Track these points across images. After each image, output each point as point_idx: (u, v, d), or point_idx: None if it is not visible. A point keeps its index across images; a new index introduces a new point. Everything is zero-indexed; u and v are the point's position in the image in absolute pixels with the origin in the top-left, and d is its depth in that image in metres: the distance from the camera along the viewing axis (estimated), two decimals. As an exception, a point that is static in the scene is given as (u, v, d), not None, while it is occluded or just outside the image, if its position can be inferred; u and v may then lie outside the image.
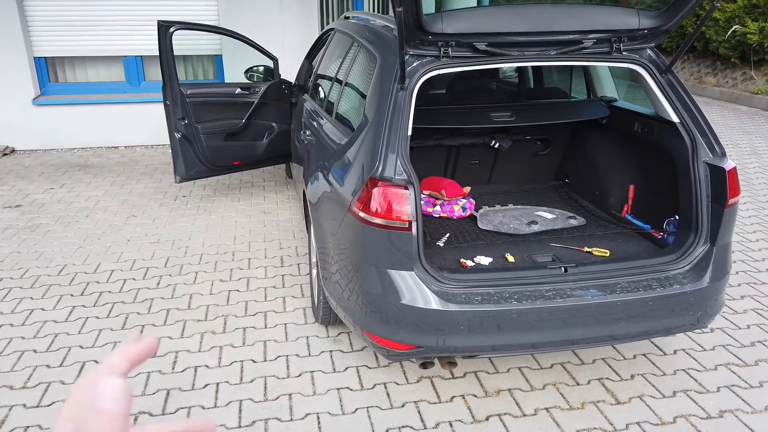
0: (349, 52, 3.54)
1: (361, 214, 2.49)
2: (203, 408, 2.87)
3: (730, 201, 2.65)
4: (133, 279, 4.13)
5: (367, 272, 2.54)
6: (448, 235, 3.21)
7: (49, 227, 5.02)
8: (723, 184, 2.64)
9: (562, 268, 2.62)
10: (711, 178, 2.69)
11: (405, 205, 2.41)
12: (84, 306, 3.78)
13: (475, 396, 2.97)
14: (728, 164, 2.68)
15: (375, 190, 2.45)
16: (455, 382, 3.07)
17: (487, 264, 2.84)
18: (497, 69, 4.28)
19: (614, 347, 3.35)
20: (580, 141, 3.83)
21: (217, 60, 7.56)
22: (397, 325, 2.49)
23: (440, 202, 3.45)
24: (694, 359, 3.26)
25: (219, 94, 4.97)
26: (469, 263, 2.84)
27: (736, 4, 10.61)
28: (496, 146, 3.72)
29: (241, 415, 2.83)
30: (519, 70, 4.60)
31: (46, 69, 7.29)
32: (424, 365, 2.68)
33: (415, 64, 2.68)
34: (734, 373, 3.15)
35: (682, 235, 2.79)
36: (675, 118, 2.81)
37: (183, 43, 7.19)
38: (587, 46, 2.76)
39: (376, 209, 2.44)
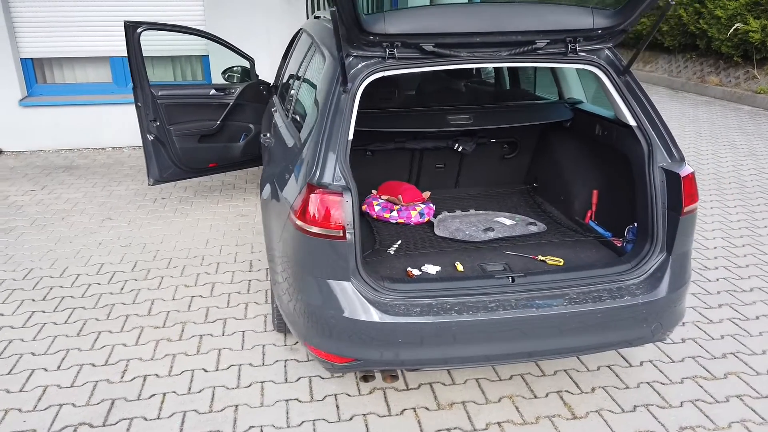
0: (308, 53, 3.46)
1: (298, 222, 2.40)
2: (145, 419, 2.80)
3: (686, 208, 2.53)
4: (98, 284, 4.08)
5: (306, 282, 2.45)
6: (399, 242, 3.11)
7: (24, 230, 4.99)
8: (678, 190, 2.51)
9: (510, 278, 2.51)
10: (667, 184, 2.57)
11: (339, 212, 2.32)
12: (44, 311, 3.73)
13: (427, 409, 2.87)
14: (685, 170, 2.56)
15: (311, 197, 2.36)
16: (409, 393, 2.98)
17: (434, 273, 2.74)
18: (468, 70, 4.17)
19: (578, 358, 3.24)
20: (547, 144, 3.71)
21: (204, 60, 7.51)
22: (335, 337, 2.40)
23: (397, 207, 3.35)
24: (661, 371, 3.14)
25: (192, 95, 4.90)
26: (416, 272, 2.74)
27: (738, 2, 10.38)
28: (460, 149, 3.61)
29: (183, 427, 2.75)
30: (495, 71, 4.48)
31: (33, 70, 7.28)
32: (366, 378, 2.59)
33: (359, 66, 2.59)
34: (701, 386, 3.02)
35: (639, 244, 2.67)
36: (632, 121, 2.70)
37: (170, 43, 7.17)
38: (540, 47, 2.65)
39: (311, 216, 2.35)
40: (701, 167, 6.69)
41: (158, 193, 5.85)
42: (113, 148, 7.50)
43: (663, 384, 3.05)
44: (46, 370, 3.16)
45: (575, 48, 2.69)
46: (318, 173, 2.41)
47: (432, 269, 2.76)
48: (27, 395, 2.96)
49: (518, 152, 3.84)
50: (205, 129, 4.98)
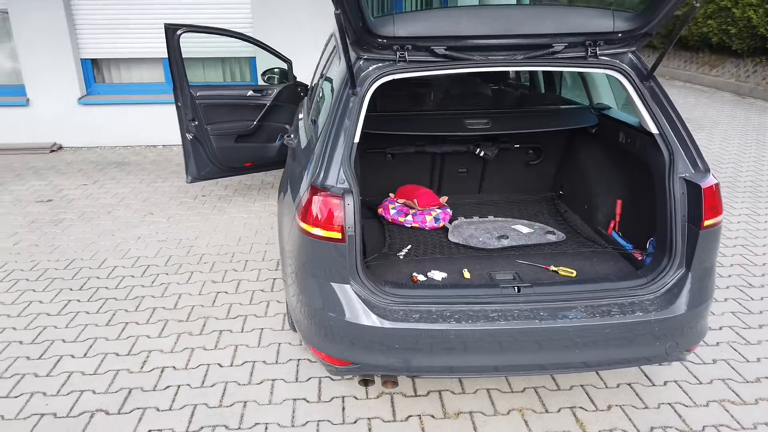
0: (332, 55, 3.48)
1: (301, 224, 2.42)
2: (158, 410, 2.88)
3: (707, 222, 2.39)
4: (132, 276, 4.24)
5: (307, 283, 2.46)
6: (409, 246, 3.08)
7: (71, 222, 5.24)
8: (699, 202, 2.38)
9: (515, 288, 2.44)
10: (688, 195, 2.43)
11: (338, 214, 2.32)
12: (79, 300, 3.90)
13: (433, 417, 2.83)
14: (707, 181, 2.42)
15: (313, 199, 2.37)
16: (417, 400, 2.94)
17: (439, 280, 2.69)
18: (496, 73, 4.08)
19: (598, 374, 3.12)
20: (573, 151, 3.59)
21: (252, 62, 7.68)
22: (333, 339, 2.40)
23: (413, 211, 3.32)
24: (685, 392, 2.98)
25: (230, 96, 5.02)
26: (421, 278, 2.71)
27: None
28: (481, 154, 3.54)
29: (192, 420, 2.82)
30: (530, 75, 4.38)
31: (92, 70, 7.63)
32: (366, 382, 2.58)
33: (370, 69, 2.58)
34: (727, 411, 2.85)
35: (657, 258, 2.54)
36: (654, 129, 2.57)
37: (219, 46, 7.38)
38: (558, 50, 2.57)
39: (312, 218, 2.36)
40: (761, 179, 6.32)
41: (200, 191, 6.02)
42: (163, 146, 7.78)
43: (686, 406, 2.89)
44: (73, 356, 3.30)
45: (596, 52, 2.60)
46: (322, 175, 2.41)
47: (438, 275, 2.72)
48: (53, 380, 3.10)
49: (543, 158, 3.73)
50: (241, 129, 5.09)
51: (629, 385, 3.05)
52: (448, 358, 2.34)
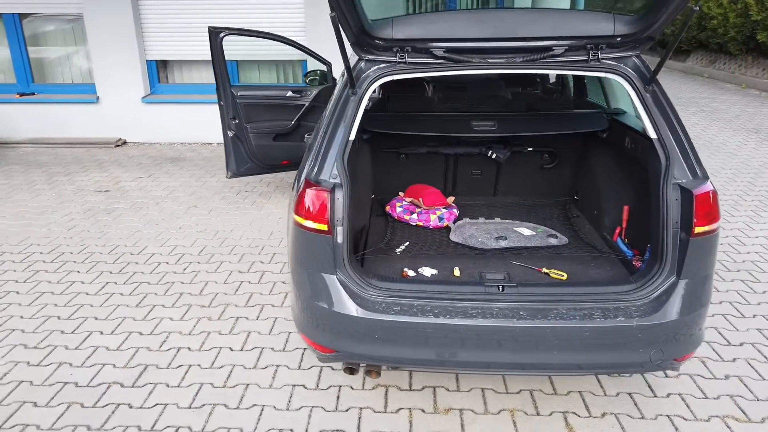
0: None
1: (294, 216, 2.55)
2: (167, 386, 3.08)
3: (698, 229, 2.33)
4: (167, 263, 4.51)
5: (298, 273, 2.59)
6: (407, 243, 3.15)
7: (123, 212, 5.61)
8: (691, 209, 2.33)
9: (499, 287, 2.47)
10: (682, 202, 2.39)
11: (326, 207, 2.43)
12: (116, 283, 4.20)
13: (423, 411, 2.89)
14: (701, 188, 2.36)
15: (306, 192, 2.50)
16: (410, 394, 3.01)
17: (428, 276, 2.75)
18: (518, 75, 4.05)
19: (598, 380, 3.08)
20: (586, 156, 3.54)
21: (303, 65, 7.94)
22: (319, 327, 2.51)
23: (418, 210, 3.38)
24: (687, 406, 2.90)
25: (269, 96, 5.24)
26: (411, 273, 2.77)
27: None
28: (493, 157, 3.55)
29: (196, 397, 3.00)
30: (560, 78, 4.33)
31: (156, 70, 8.11)
32: (351, 371, 2.67)
33: (371, 70, 2.68)
34: (728, 427, 2.76)
35: (649, 265, 2.50)
36: (653, 134, 2.54)
37: (273, 49, 7.64)
38: (558, 54, 2.58)
39: (303, 211, 2.48)
40: (819, 193, 5.96)
41: (243, 186, 6.30)
42: (218, 143, 8.16)
43: (685, 420, 2.81)
44: (102, 333, 3.57)
45: (597, 55, 2.59)
46: (316, 170, 2.53)
47: (428, 272, 2.78)
48: (81, 353, 3.37)
49: (558, 163, 3.70)
50: (279, 128, 5.30)
51: (629, 394, 2.99)
52: (425, 352, 2.40)
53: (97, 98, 8.03)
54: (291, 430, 2.78)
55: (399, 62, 2.65)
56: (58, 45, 8.16)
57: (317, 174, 2.53)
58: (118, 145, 8.11)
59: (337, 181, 2.50)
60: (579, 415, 2.85)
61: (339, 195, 2.46)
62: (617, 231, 3.05)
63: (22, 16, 7.93)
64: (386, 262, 2.90)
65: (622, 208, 3.05)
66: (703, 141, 8.10)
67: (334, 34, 2.35)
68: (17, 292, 4.06)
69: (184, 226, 5.23)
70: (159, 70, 8.17)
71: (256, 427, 2.79)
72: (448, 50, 2.60)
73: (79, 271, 4.37)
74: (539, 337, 2.33)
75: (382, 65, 2.68)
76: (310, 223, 2.48)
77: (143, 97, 7.98)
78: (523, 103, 3.66)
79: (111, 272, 4.36)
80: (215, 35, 4.82)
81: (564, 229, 3.32)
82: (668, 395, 2.98)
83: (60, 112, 8.11)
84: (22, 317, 3.74)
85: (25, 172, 6.89)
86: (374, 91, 3.95)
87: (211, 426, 2.80)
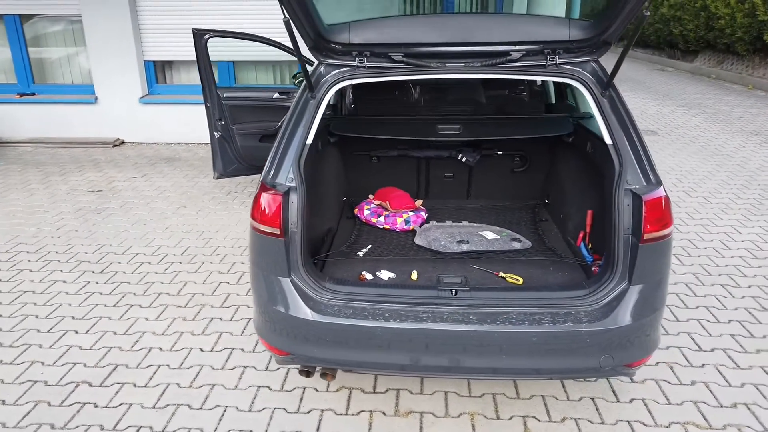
0: None
1: (250, 219, 2.57)
2: (134, 386, 3.12)
3: (647, 235, 2.32)
4: (149, 263, 4.56)
5: (255, 275, 2.61)
6: (369, 246, 3.16)
7: (113, 212, 5.67)
8: (641, 214, 2.32)
9: (452, 291, 2.48)
10: (633, 207, 2.38)
11: (278, 211, 2.45)
12: (97, 282, 4.25)
13: (384, 414, 2.90)
14: (652, 194, 2.35)
15: (261, 195, 2.52)
16: (373, 396, 3.02)
17: (386, 279, 2.76)
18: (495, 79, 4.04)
19: (563, 385, 3.07)
20: (556, 160, 3.53)
21: (299, 66, 7.95)
22: (273, 329, 2.53)
23: (386, 213, 3.39)
24: (649, 412, 2.89)
25: (255, 98, 5.27)
26: (369, 276, 2.78)
27: None
28: (463, 160, 3.55)
29: (161, 397, 3.03)
30: (544, 84, 4.31)
31: (154, 71, 8.19)
32: (307, 374, 2.68)
33: (331, 74, 2.70)
34: (688, 434, 2.75)
35: (602, 270, 2.50)
36: (608, 139, 2.53)
37: (269, 50, 7.67)
38: (515, 58, 2.58)
39: (258, 214, 2.51)
40: (812, 196, 5.89)
41: (234, 187, 6.34)
42: (214, 143, 8.20)
43: (645, 425, 2.80)
44: (77, 332, 3.62)
45: (555, 60, 2.59)
46: (272, 173, 2.56)
47: (386, 275, 2.79)
48: (54, 351, 3.42)
49: (530, 166, 3.69)
50: (265, 129, 5.33)
51: (592, 399, 2.98)
52: (375, 355, 2.41)
53: (96, 99, 8.12)
54: (251, 431, 2.80)
55: (358, 66, 2.66)
56: (58, 46, 8.26)
57: (273, 177, 2.55)
58: (116, 145, 8.19)
59: (293, 184, 2.52)
60: (539, 420, 2.85)
61: (294, 198, 2.48)
62: (581, 235, 3.04)
63: (23, 17, 8.04)
64: (347, 265, 2.92)
65: (586, 213, 3.04)
66: (702, 143, 8.03)
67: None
68: (0, 291, 4.12)
69: (171, 226, 5.28)
70: (157, 70, 8.24)
71: (216, 428, 2.82)
72: (406, 54, 2.61)
73: (62, 270, 4.43)
74: (488, 342, 2.33)
75: (342, 69, 2.69)
76: (264, 227, 2.50)
77: (141, 98, 8.05)
78: (493, 107, 3.66)
79: (93, 272, 4.42)
80: (200, 37, 4.86)
81: (530, 233, 3.31)
82: (631, 400, 2.97)
83: (59, 112, 8.21)
84: (1, 316, 3.80)
85: (21, 172, 6.99)
86: (342, 95, 3.98)
87: (172, 426, 2.83)
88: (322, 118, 3.45)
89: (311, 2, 2.42)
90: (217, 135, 5.28)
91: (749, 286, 4.10)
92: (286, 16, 2.38)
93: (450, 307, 2.41)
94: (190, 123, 8.12)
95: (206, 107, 5.21)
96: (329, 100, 2.73)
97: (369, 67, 2.66)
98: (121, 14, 7.69)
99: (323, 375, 2.68)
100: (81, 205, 5.83)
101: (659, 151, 7.66)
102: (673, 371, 3.20)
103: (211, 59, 7.91)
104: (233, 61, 8.03)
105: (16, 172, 7.00)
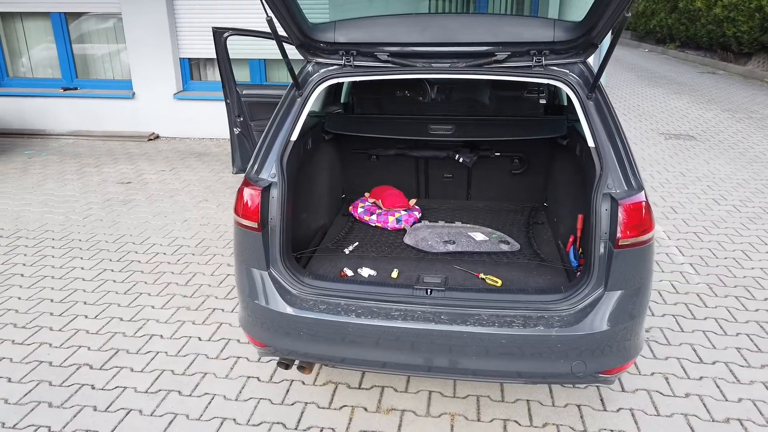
0: None
1: (233, 213, 2.64)
2: (132, 371, 3.24)
3: (622, 241, 2.27)
4: (164, 253, 4.71)
5: (237, 268, 2.68)
6: (357, 243, 3.18)
7: (138, 203, 5.88)
8: (617, 219, 2.28)
9: (427, 291, 2.48)
10: (611, 212, 2.33)
11: (257, 205, 2.51)
12: (112, 270, 4.42)
13: (365, 410, 2.93)
14: (630, 199, 2.30)
15: (243, 190, 2.58)
16: (358, 392, 3.05)
17: (366, 276, 2.78)
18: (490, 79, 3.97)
19: (550, 390, 3.03)
20: (552, 162, 3.47)
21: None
22: (253, 320, 2.59)
23: (379, 211, 3.41)
24: (635, 422, 2.82)
25: (274, 95, 5.36)
26: (349, 273, 2.81)
27: None
28: (460, 161, 3.54)
29: (155, 382, 3.14)
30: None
31: (189, 68, 8.42)
32: (286, 366, 2.73)
33: (319, 72, 2.74)
34: (673, 447, 2.67)
35: (581, 275, 2.46)
36: (591, 142, 2.48)
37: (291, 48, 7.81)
38: (501, 59, 2.57)
39: (240, 209, 2.57)
40: None
41: (256, 182, 6.46)
42: (244, 139, 8.38)
43: (629, 436, 2.74)
44: (86, 317, 3.78)
45: (541, 61, 2.56)
46: (255, 168, 2.62)
47: (367, 272, 2.81)
48: (62, 334, 3.59)
49: (528, 169, 3.64)
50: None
51: (578, 406, 2.94)
52: (348, 350, 2.44)
53: (133, 94, 8.41)
54: (234, 419, 2.88)
55: (345, 65, 2.70)
56: (100, 43, 8.59)
57: (257, 173, 2.61)
58: (151, 139, 8.47)
59: (275, 180, 2.57)
60: (520, 424, 2.82)
61: (275, 194, 2.53)
62: (571, 240, 2.99)
63: (69, 16, 8.40)
64: (331, 261, 2.96)
65: (576, 217, 2.99)
66: (741, 149, 7.73)
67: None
68: (22, 275, 4.34)
69: (190, 219, 5.44)
70: (192, 67, 8.47)
71: (201, 414, 2.91)
72: (392, 54, 2.63)
73: (81, 258, 4.63)
74: (457, 342, 2.32)
75: (329, 68, 2.73)
76: (244, 221, 2.56)
77: (175, 94, 8.30)
78: (489, 107, 3.62)
79: (110, 260, 4.60)
80: (219, 35, 4.98)
81: (521, 236, 3.27)
82: (618, 410, 2.91)
83: (99, 107, 8.55)
84: (19, 298, 4.01)
85: (60, 162, 7.31)
86: (335, 93, 4.01)
87: (160, 411, 2.93)
88: (317, 116, 3.52)
89: (294, 1, 2.46)
90: (236, 131, 5.39)
91: (765, 299, 3.94)
92: (269, 14, 2.43)
93: (423, 306, 2.42)
94: (221, 119, 8.32)
95: (226, 104, 5.33)
96: (320, 98, 2.77)
97: (356, 66, 2.69)
98: (159, 12, 7.95)
99: (300, 368, 2.73)
100: (109, 196, 6.07)
101: (694, 157, 7.42)
102: (668, 382, 3.11)
103: (243, 57, 8.15)
104: (264, 59, 8.18)
105: (55, 162, 7.33)
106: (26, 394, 3.05)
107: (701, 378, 3.14)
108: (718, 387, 3.07)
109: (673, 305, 3.86)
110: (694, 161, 7.24)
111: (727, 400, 2.97)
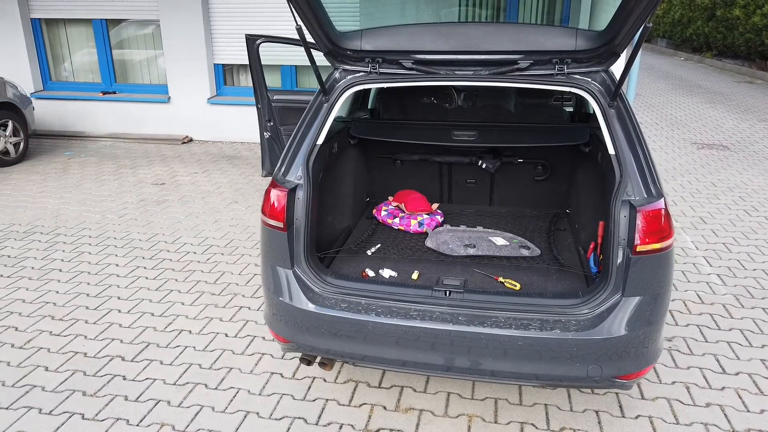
0: None
1: (261, 213, 2.74)
2: (161, 363, 3.37)
3: (640, 247, 2.29)
4: (194, 252, 4.86)
5: (263, 266, 2.77)
6: (379, 245, 3.25)
7: (171, 204, 6.06)
8: (635, 226, 2.30)
9: (445, 292, 2.54)
10: (630, 219, 2.36)
11: (283, 206, 2.60)
12: (145, 267, 4.58)
13: (384, 408, 2.99)
14: (650, 206, 2.32)
15: (271, 191, 2.68)
16: (377, 391, 3.12)
17: (387, 277, 2.85)
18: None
19: (569, 394, 3.05)
20: (575, 169, 3.49)
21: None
22: (277, 317, 2.68)
23: (402, 215, 3.48)
24: (654, 430, 2.82)
25: (303, 100, 5.49)
26: (371, 274, 2.88)
27: None
28: (483, 166, 3.58)
29: (183, 375, 3.26)
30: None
31: (223, 73, 8.64)
32: (308, 362, 2.81)
33: (345, 78, 2.83)
34: (691, 455, 2.67)
35: (599, 281, 2.48)
36: (611, 150, 2.51)
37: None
38: (523, 67, 2.62)
39: (267, 209, 2.67)
40: None
41: (285, 186, 6.60)
42: (274, 144, 8.55)
43: (646, 443, 2.75)
44: (120, 311, 3.94)
45: (564, 70, 2.60)
46: (282, 170, 2.72)
47: (388, 273, 2.88)
48: (97, 327, 3.74)
49: (552, 175, 3.66)
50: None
51: (596, 412, 2.95)
52: (367, 348, 2.51)
53: (169, 98, 8.66)
54: (257, 413, 2.97)
55: (371, 72, 2.78)
56: (139, 48, 8.87)
57: (284, 175, 2.70)
58: (185, 143, 8.70)
59: (301, 182, 2.66)
60: (537, 427, 2.85)
61: (300, 195, 2.62)
62: (591, 246, 3.01)
63: (109, 22, 8.70)
64: (354, 262, 3.03)
65: (598, 224, 3.01)
66: (774, 160, 7.58)
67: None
68: (60, 270, 4.53)
69: (220, 220, 5.59)
70: (225, 73, 8.69)
71: (227, 407, 3.01)
72: (416, 62, 2.71)
73: (116, 255, 4.80)
74: (474, 343, 2.37)
75: (356, 75, 2.82)
76: (271, 220, 2.66)
77: (209, 98, 8.52)
78: (513, 114, 3.66)
79: (143, 258, 4.76)
80: (252, 42, 5.13)
81: (543, 242, 3.30)
82: (637, 417, 2.91)
83: (136, 110, 8.82)
84: (57, 292, 4.18)
85: (98, 164, 7.57)
86: (362, 99, 4.10)
87: (187, 402, 3.05)
88: (343, 121, 3.61)
89: (322, 10, 2.56)
90: (266, 135, 5.53)
91: (794, 311, 3.89)
92: (299, 23, 2.53)
93: (441, 307, 2.48)
94: (252, 123, 8.51)
95: (257, 108, 5.47)
96: (347, 103, 2.85)
97: (381, 73, 2.77)
98: (195, 19, 8.18)
99: (321, 364, 2.81)
100: (144, 197, 6.27)
101: (726, 167, 7.30)
102: (689, 391, 3.10)
103: (276, 63, 8.32)
104: (296, 66, 8.34)
105: (93, 164, 7.59)
106: (62, 383, 3.19)
107: (723, 388, 3.12)
108: (740, 398, 3.05)
109: (697, 315, 3.83)
110: (726, 171, 7.13)
111: (749, 411, 2.95)
